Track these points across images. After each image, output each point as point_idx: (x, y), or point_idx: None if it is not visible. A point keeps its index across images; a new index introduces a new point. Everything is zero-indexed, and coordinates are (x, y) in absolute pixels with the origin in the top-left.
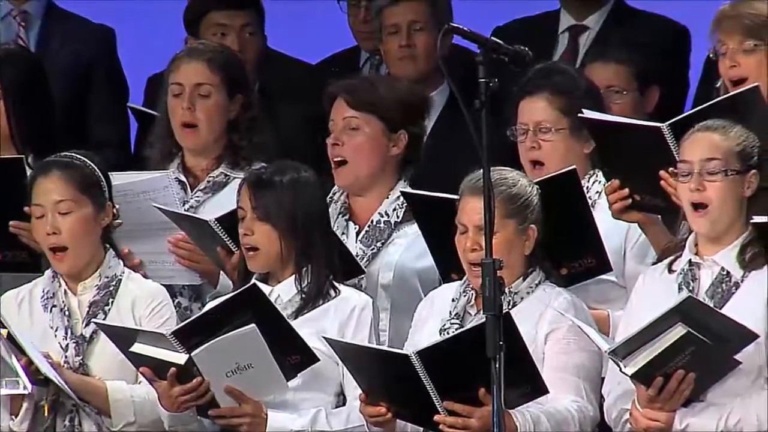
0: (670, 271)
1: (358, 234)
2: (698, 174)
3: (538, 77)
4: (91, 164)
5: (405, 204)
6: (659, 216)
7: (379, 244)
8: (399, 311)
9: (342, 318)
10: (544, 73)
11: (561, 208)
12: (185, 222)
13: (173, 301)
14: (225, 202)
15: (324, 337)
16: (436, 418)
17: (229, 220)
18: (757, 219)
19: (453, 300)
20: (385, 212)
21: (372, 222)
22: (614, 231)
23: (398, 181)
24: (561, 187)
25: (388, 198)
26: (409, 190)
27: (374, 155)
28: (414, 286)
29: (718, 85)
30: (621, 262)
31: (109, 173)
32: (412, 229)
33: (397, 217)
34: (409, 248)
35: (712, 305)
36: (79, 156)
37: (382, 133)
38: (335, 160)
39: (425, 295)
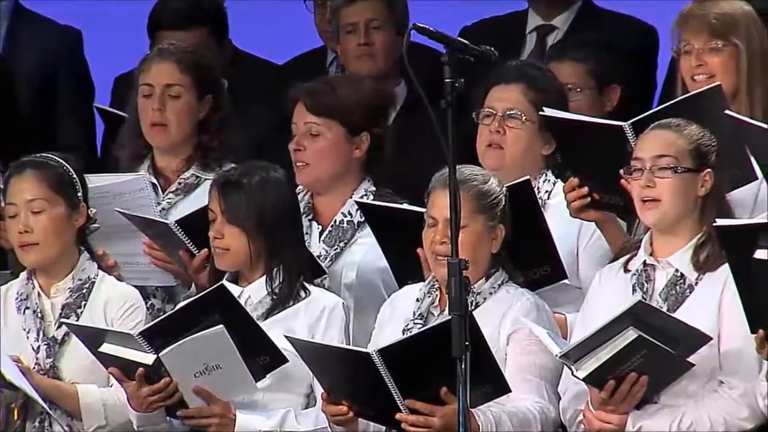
0: (626, 270)
1: (321, 234)
2: (649, 171)
3: (516, 69)
4: (66, 165)
5: None
6: (616, 215)
7: (342, 244)
8: (362, 311)
9: (312, 319)
10: (522, 65)
11: (516, 218)
12: (147, 226)
13: (146, 303)
14: (196, 203)
15: (286, 336)
16: (398, 416)
17: (192, 222)
18: (719, 222)
19: (417, 300)
20: (348, 212)
21: (335, 222)
22: (566, 232)
23: (362, 181)
24: (515, 198)
25: (351, 198)
26: (364, 200)
27: (336, 159)
28: (377, 285)
29: (678, 88)
30: (574, 263)
31: (84, 175)
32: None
33: (360, 217)
34: (372, 248)
35: (665, 307)
36: (54, 156)
37: (343, 137)
38: (297, 164)
39: (388, 295)
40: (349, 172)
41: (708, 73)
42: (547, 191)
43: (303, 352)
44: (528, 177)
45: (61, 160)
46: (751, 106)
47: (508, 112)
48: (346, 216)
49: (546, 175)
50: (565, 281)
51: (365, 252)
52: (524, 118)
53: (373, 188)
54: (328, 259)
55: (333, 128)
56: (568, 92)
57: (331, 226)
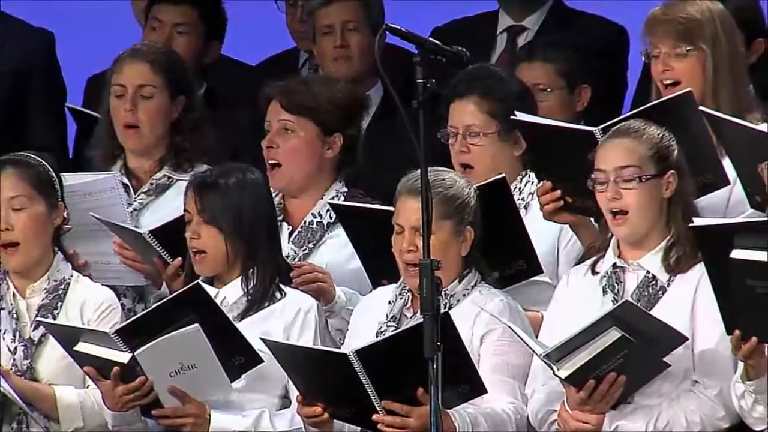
0: (594, 272)
1: (291, 234)
2: (614, 182)
3: (469, 80)
4: (45, 164)
5: None
6: (591, 218)
7: (311, 245)
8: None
9: (287, 320)
10: (474, 75)
11: (492, 215)
12: (121, 232)
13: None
14: (168, 204)
15: (262, 339)
16: (374, 417)
17: (166, 231)
18: (697, 222)
19: (389, 303)
20: (318, 213)
21: (305, 223)
22: (547, 231)
23: (334, 181)
24: (491, 194)
25: (322, 199)
26: (335, 201)
27: (309, 158)
28: (346, 286)
29: (653, 91)
30: (554, 262)
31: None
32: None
33: (330, 218)
34: (340, 249)
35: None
36: (33, 155)
37: (316, 136)
38: (270, 162)
39: (358, 295)
40: (321, 172)
41: (674, 78)
42: (530, 192)
43: (279, 354)
44: (503, 174)
45: (41, 159)
46: (718, 110)
47: (468, 130)
48: (315, 217)
49: (529, 176)
50: (546, 280)
51: (333, 253)
52: (482, 132)
53: (345, 189)
54: (297, 259)
55: (306, 127)
56: (539, 92)
57: (301, 227)
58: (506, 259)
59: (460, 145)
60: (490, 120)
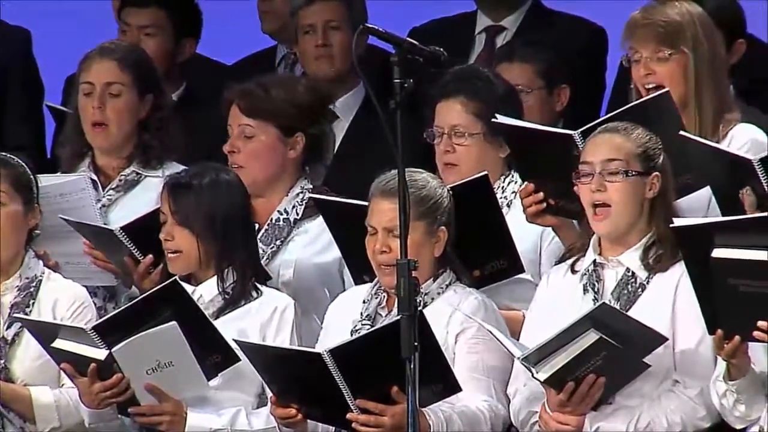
0: (573, 271)
1: (258, 233)
2: (599, 175)
3: (456, 80)
4: (24, 165)
5: (304, 201)
6: (573, 220)
7: (278, 242)
8: (301, 308)
9: (263, 319)
10: (461, 76)
11: (474, 213)
12: (90, 231)
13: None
14: (137, 200)
15: (234, 339)
16: (348, 416)
17: (137, 228)
18: (677, 222)
19: (364, 302)
20: (285, 210)
21: (271, 220)
22: (530, 230)
23: (299, 179)
24: (474, 192)
25: (287, 196)
26: (319, 195)
27: (270, 161)
28: (315, 282)
29: (632, 86)
30: (537, 261)
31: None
32: (312, 226)
33: (297, 214)
34: (308, 245)
35: (618, 307)
36: (12, 156)
37: (277, 138)
38: (233, 167)
39: (327, 291)
40: (285, 172)
41: (657, 81)
42: (513, 191)
43: (251, 355)
44: (486, 172)
45: (20, 161)
46: (701, 112)
47: (453, 130)
48: (282, 214)
49: (512, 176)
50: (528, 277)
51: (301, 249)
52: (468, 133)
53: (310, 186)
54: (265, 257)
55: (267, 130)
56: (518, 93)
57: (268, 225)
58: (488, 257)
59: (445, 145)
60: (476, 121)
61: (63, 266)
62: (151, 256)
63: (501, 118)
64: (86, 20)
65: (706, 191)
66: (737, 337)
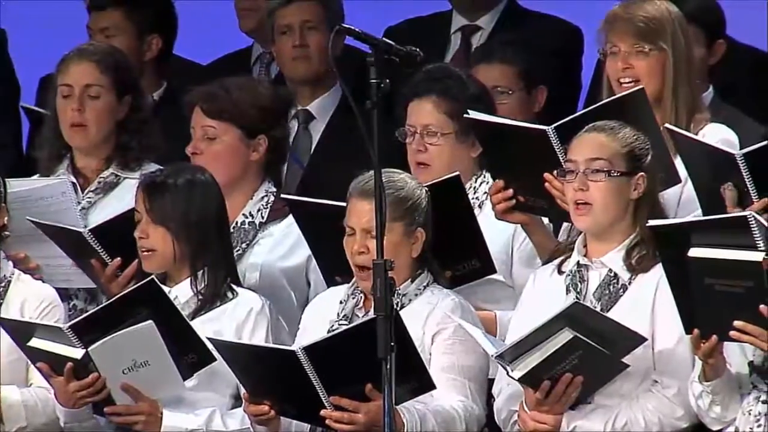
0: (560, 272)
1: None
2: (582, 174)
3: (427, 80)
4: None
5: (269, 204)
6: (543, 218)
7: (244, 245)
8: None
9: (239, 320)
10: (433, 75)
11: (445, 213)
12: (58, 233)
13: (68, 304)
14: (116, 202)
15: (208, 338)
16: (322, 412)
17: (106, 230)
18: (652, 222)
19: (341, 303)
20: (250, 213)
21: (236, 224)
22: (501, 231)
23: (262, 182)
24: (445, 193)
25: (252, 199)
26: (264, 201)
27: (233, 163)
28: (281, 285)
29: (603, 88)
30: (508, 262)
31: (6, 179)
32: (277, 229)
33: (262, 217)
34: (274, 248)
35: (599, 307)
36: None
37: (239, 140)
38: None
39: (293, 295)
40: (248, 174)
41: (634, 76)
42: (485, 192)
43: (225, 354)
44: (458, 172)
45: None
46: (676, 109)
47: (426, 130)
48: (247, 217)
49: (484, 176)
50: (500, 278)
51: (267, 252)
52: (440, 132)
53: (274, 189)
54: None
55: (229, 132)
56: (498, 95)
57: (233, 228)
58: (460, 257)
59: (417, 144)
60: (448, 120)
61: (44, 269)
62: (119, 258)
63: (473, 114)
64: (56, 22)
65: (677, 189)
66: (714, 337)
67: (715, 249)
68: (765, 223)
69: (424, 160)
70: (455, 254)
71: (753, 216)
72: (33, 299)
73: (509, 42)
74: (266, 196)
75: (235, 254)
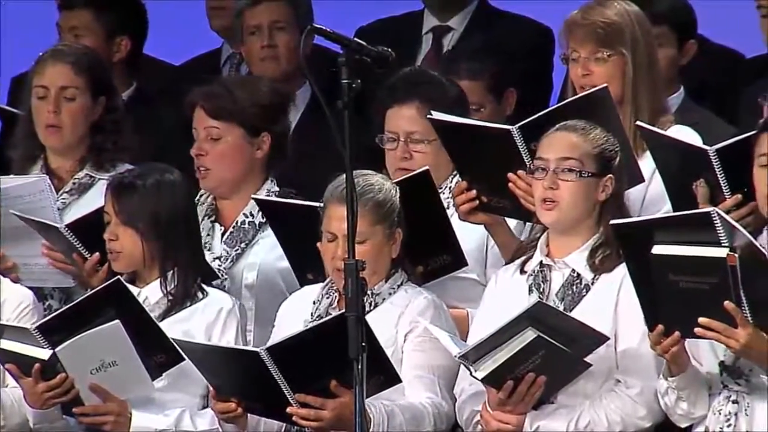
0: (522, 272)
1: (223, 235)
2: (552, 173)
3: (407, 85)
4: None
5: None
6: (504, 218)
7: (243, 245)
8: (263, 311)
9: (209, 320)
10: (413, 80)
11: (416, 208)
12: (41, 228)
13: (44, 304)
14: (91, 203)
15: (173, 339)
16: (288, 410)
17: (83, 226)
18: (616, 221)
19: (314, 302)
20: (250, 213)
21: (237, 223)
22: (476, 230)
23: (265, 180)
24: (415, 188)
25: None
26: (261, 196)
27: (238, 162)
28: (278, 286)
29: (567, 91)
30: (483, 261)
31: None
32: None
33: (262, 217)
34: (272, 249)
35: (562, 307)
36: None
37: (243, 138)
38: (200, 169)
39: (289, 294)
40: (252, 172)
41: (594, 83)
42: None
43: (191, 355)
44: (427, 167)
45: None
46: (637, 113)
47: (410, 136)
48: (248, 217)
49: (458, 177)
50: (474, 276)
51: (265, 253)
52: (426, 140)
53: (276, 188)
54: (229, 260)
55: (233, 131)
56: (472, 112)
57: (233, 228)
58: (431, 252)
59: (402, 152)
60: (432, 126)
61: (20, 268)
62: (98, 254)
63: (437, 115)
64: (33, 22)
65: (642, 188)
66: (676, 333)
67: (679, 246)
68: (729, 220)
69: (409, 166)
70: (427, 249)
71: (716, 212)
72: (12, 301)
73: (476, 51)
74: (269, 195)
75: (234, 254)
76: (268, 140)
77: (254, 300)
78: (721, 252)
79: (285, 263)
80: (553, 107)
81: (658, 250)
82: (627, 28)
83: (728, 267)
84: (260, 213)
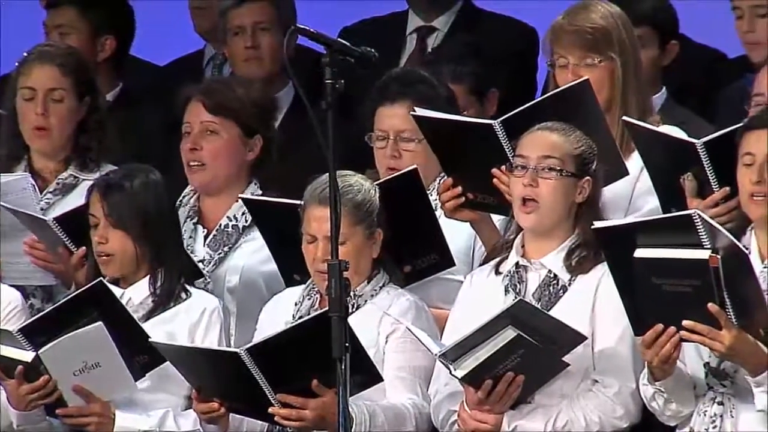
0: (497, 272)
1: (206, 238)
2: (533, 170)
3: (399, 85)
4: None
5: None
6: (490, 215)
7: (226, 249)
8: (246, 314)
9: (192, 320)
10: (404, 80)
11: (404, 207)
12: (28, 222)
13: (27, 302)
14: (75, 203)
15: (153, 342)
16: (270, 409)
17: (71, 220)
18: (598, 224)
19: (296, 304)
20: (234, 216)
21: (220, 226)
22: (463, 231)
23: (249, 184)
24: (403, 187)
25: (237, 202)
26: (248, 196)
27: (232, 160)
28: (260, 289)
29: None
30: (470, 262)
31: None
32: (260, 234)
33: (246, 221)
34: (255, 252)
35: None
36: None
37: (239, 138)
38: (192, 164)
39: (270, 297)
40: (241, 174)
41: None
42: None
43: (172, 356)
44: (415, 166)
45: None
46: (626, 115)
47: (400, 135)
48: (231, 220)
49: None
50: (459, 278)
51: (249, 256)
52: (417, 139)
53: (260, 192)
54: (212, 263)
55: (230, 128)
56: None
57: (216, 230)
58: (419, 252)
59: (392, 150)
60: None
61: (2, 266)
62: (84, 248)
63: (420, 111)
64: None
65: (629, 184)
66: (671, 328)
67: (661, 249)
68: (710, 221)
69: (398, 165)
70: (414, 249)
71: (697, 214)
72: (1, 301)
73: (458, 53)
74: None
75: (217, 257)
76: (260, 143)
77: (236, 303)
78: (703, 254)
79: (268, 267)
80: (535, 101)
81: (640, 253)
82: (614, 32)
83: (711, 269)
84: (244, 216)
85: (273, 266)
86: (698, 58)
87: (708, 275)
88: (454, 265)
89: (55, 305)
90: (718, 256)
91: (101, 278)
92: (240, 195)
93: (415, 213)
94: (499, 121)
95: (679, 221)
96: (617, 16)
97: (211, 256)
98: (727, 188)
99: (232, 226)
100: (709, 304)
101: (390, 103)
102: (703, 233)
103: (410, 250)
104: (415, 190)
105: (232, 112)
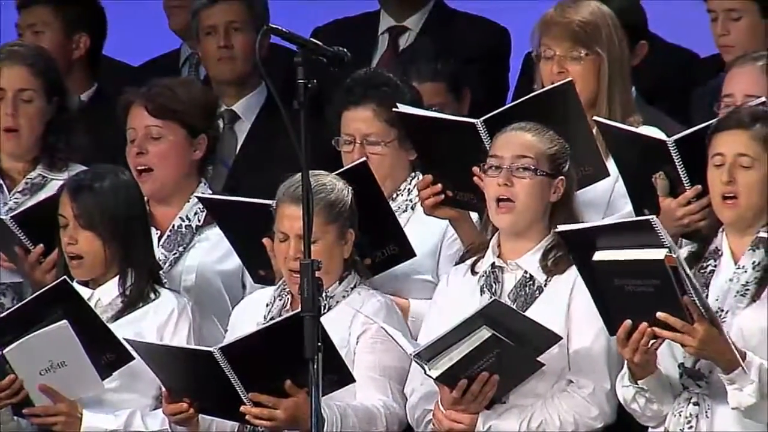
0: (473, 272)
1: (160, 239)
2: (507, 170)
3: (363, 87)
4: None
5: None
6: (470, 213)
7: (181, 249)
8: (202, 313)
9: (161, 320)
10: (368, 83)
11: (359, 201)
12: None
13: None
14: None
15: (125, 339)
16: (242, 408)
17: (28, 217)
18: (561, 227)
19: (267, 305)
20: (186, 216)
21: (173, 227)
22: (433, 232)
23: (198, 184)
24: (354, 180)
25: (189, 202)
26: (206, 195)
27: (179, 162)
28: (217, 288)
29: (535, 87)
30: (435, 261)
31: None
32: (214, 233)
33: (199, 221)
34: (210, 251)
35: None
36: None
37: (184, 138)
38: (139, 168)
39: (229, 296)
40: (190, 174)
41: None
42: (417, 194)
43: (144, 354)
44: (365, 159)
45: None
46: (610, 112)
47: (366, 138)
48: (184, 221)
49: (418, 177)
50: (427, 277)
51: (203, 255)
52: (383, 142)
53: (210, 191)
54: (168, 263)
55: (175, 131)
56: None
57: (170, 231)
58: (377, 244)
59: (358, 154)
60: (389, 128)
61: None
62: (41, 245)
63: (402, 107)
64: None
65: (608, 186)
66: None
67: (620, 251)
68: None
69: None
70: (372, 241)
71: (655, 220)
72: None
73: (433, 53)
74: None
75: (172, 258)
76: (205, 142)
77: (193, 302)
78: (659, 254)
79: (224, 266)
80: (519, 101)
81: (599, 256)
82: (604, 28)
83: (668, 268)
84: (196, 216)
85: (229, 264)
86: (671, 57)
87: (666, 274)
88: (414, 255)
89: (19, 304)
90: (674, 255)
91: (64, 277)
92: (197, 195)
93: (369, 205)
94: (482, 120)
95: (637, 225)
96: (608, 14)
97: (165, 257)
98: (699, 186)
99: (186, 226)
100: (684, 297)
101: (354, 107)
102: (663, 234)
103: (368, 243)
104: (367, 182)
105: (176, 114)
